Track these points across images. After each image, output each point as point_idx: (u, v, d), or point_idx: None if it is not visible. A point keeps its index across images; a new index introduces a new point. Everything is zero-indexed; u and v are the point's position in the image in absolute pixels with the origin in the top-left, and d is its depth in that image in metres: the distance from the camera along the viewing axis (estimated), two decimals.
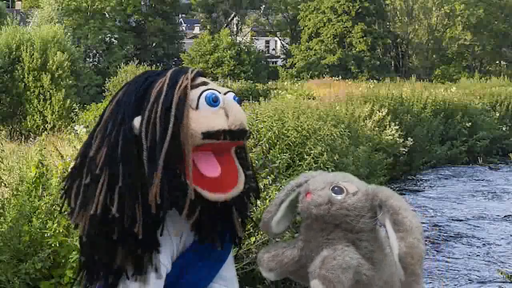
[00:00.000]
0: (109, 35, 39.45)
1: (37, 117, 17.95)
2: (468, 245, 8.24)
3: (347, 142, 8.94)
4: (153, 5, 45.85)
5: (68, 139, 7.38)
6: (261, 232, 4.40)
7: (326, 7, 47.09)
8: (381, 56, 48.37)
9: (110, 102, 1.78)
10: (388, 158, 11.47)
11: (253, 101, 9.43)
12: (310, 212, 1.75)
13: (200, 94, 1.72)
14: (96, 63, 38.30)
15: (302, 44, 47.75)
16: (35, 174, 4.34)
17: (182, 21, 55.39)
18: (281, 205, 1.85)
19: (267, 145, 6.46)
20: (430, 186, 12.63)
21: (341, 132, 8.54)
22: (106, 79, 24.70)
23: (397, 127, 12.53)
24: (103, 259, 1.71)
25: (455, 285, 6.64)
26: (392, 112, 13.34)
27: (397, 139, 12.39)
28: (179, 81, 1.73)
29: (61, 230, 3.90)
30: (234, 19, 53.78)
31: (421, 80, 28.70)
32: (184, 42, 47.79)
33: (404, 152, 12.83)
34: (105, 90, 23.18)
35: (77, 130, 5.50)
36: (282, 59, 53.49)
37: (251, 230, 4.52)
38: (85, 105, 15.99)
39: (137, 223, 1.64)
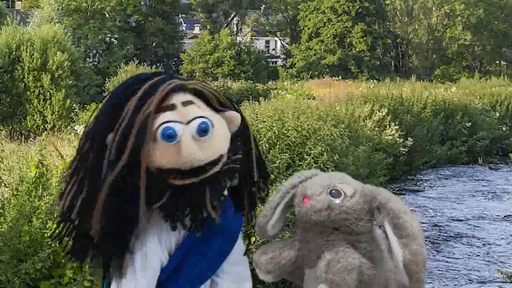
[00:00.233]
0: (109, 35, 39.45)
1: (37, 117, 17.94)
2: (468, 245, 8.23)
3: (347, 142, 8.94)
4: (153, 5, 45.84)
5: (68, 139, 7.38)
6: None
7: (326, 7, 47.08)
8: (381, 56, 48.37)
9: (97, 109, 1.81)
10: (388, 158, 11.47)
11: (253, 101, 9.42)
12: (309, 218, 1.74)
13: (158, 127, 1.68)
14: (96, 63, 38.30)
15: (302, 44, 47.75)
16: (35, 174, 4.34)
17: (182, 21, 55.38)
18: (277, 208, 1.83)
19: (267, 145, 6.46)
20: (430, 186, 12.63)
21: (341, 132, 8.54)
22: (106, 79, 24.73)
23: (397, 127, 12.52)
24: (76, 257, 1.78)
25: (455, 285, 6.64)
26: (392, 112, 13.33)
27: (397, 139, 12.39)
28: (144, 105, 1.69)
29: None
30: (234, 19, 53.77)
31: (421, 80, 28.69)
32: (184, 42, 47.79)
33: (404, 152, 12.83)
34: (105, 90, 23.20)
35: (77, 130, 5.50)
36: (282, 59, 53.48)
37: (251, 230, 4.52)
38: (85, 105, 15.98)
39: (93, 231, 1.68)
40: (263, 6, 55.28)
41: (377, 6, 47.91)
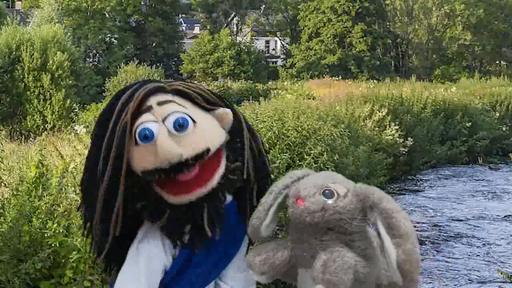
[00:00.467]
0: (109, 35, 39.47)
1: (37, 117, 17.96)
2: (468, 245, 8.23)
3: (347, 142, 8.93)
4: (153, 5, 45.85)
5: (68, 139, 7.37)
6: None
7: (326, 7, 47.09)
8: (381, 56, 48.37)
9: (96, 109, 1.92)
10: (388, 158, 11.47)
11: (253, 101, 9.42)
12: (303, 219, 1.74)
13: (135, 130, 1.70)
14: (96, 63, 38.32)
15: (302, 44, 47.75)
16: (35, 174, 4.34)
17: (182, 21, 55.39)
18: (270, 209, 1.83)
19: (267, 145, 6.45)
20: (430, 186, 12.63)
21: (341, 132, 8.53)
22: (106, 79, 24.74)
23: (397, 127, 12.52)
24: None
25: (455, 285, 6.64)
26: (392, 112, 13.33)
27: (397, 139, 12.38)
28: (122, 115, 1.72)
29: (61, 230, 3.90)
30: (234, 19, 53.78)
31: (421, 80, 28.69)
32: (184, 42, 47.80)
33: (404, 152, 12.83)
34: (105, 90, 23.21)
35: (77, 130, 5.49)
36: (282, 59, 53.48)
37: None
38: (85, 105, 16.00)
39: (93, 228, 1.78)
40: (263, 6, 55.28)
41: (377, 6, 47.91)
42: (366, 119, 12.21)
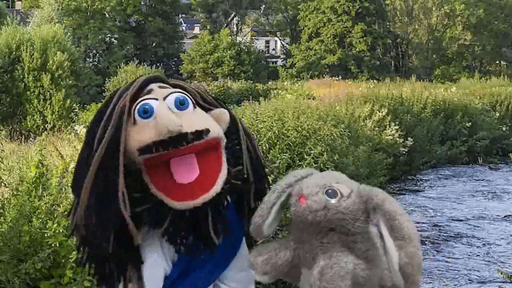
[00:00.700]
0: (109, 35, 39.46)
1: (37, 117, 17.95)
2: (468, 245, 8.23)
3: (347, 142, 8.93)
4: (153, 5, 45.85)
5: (68, 139, 7.38)
6: None
7: (326, 7, 47.08)
8: (381, 56, 48.36)
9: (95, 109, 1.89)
10: (388, 158, 11.46)
11: (253, 101, 9.41)
12: (305, 218, 1.74)
13: (134, 109, 1.69)
14: (96, 63, 38.31)
15: (302, 44, 47.74)
16: (35, 174, 4.34)
17: (182, 21, 55.38)
18: (272, 208, 1.82)
19: (267, 145, 6.45)
20: (430, 186, 12.62)
21: (341, 132, 8.53)
22: (106, 79, 24.74)
23: (397, 127, 12.52)
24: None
25: (455, 285, 6.64)
26: (392, 112, 13.33)
27: (397, 139, 12.38)
28: (120, 100, 1.72)
29: (61, 230, 3.90)
30: (234, 19, 53.77)
31: (421, 80, 28.68)
32: (184, 42, 47.80)
33: (404, 152, 12.83)
34: (105, 90, 23.21)
35: (77, 130, 5.49)
36: (282, 59, 53.47)
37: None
38: (85, 105, 16.00)
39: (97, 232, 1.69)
40: (263, 6, 55.27)
41: (377, 6, 47.90)
42: (366, 119, 12.21)
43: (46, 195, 4.22)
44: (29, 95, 18.13)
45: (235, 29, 53.04)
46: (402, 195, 11.22)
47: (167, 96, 1.71)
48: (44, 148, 4.58)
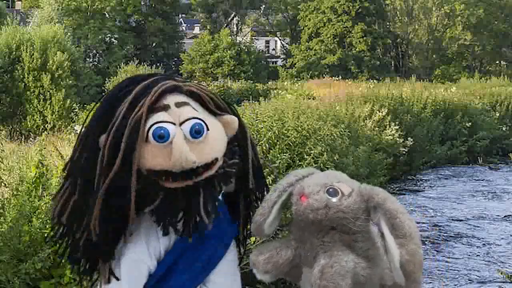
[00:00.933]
0: (109, 35, 39.47)
1: (37, 117, 17.95)
2: (468, 245, 8.23)
3: (347, 142, 8.94)
4: (153, 5, 45.86)
5: (68, 139, 7.39)
6: None
7: (326, 7, 47.09)
8: (381, 56, 48.37)
9: (92, 111, 1.81)
10: (388, 158, 11.47)
11: (253, 101, 9.42)
12: (306, 216, 1.74)
13: (150, 128, 1.65)
14: (96, 63, 38.32)
15: (302, 44, 47.76)
16: (35, 174, 4.34)
17: (182, 21, 55.39)
18: (274, 207, 1.83)
19: (267, 145, 6.46)
20: (430, 186, 12.62)
21: (341, 132, 8.54)
22: (106, 79, 24.78)
23: (397, 127, 12.52)
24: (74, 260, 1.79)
25: (455, 285, 6.64)
26: (392, 112, 13.33)
27: (397, 139, 12.38)
28: (136, 107, 1.68)
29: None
30: (234, 19, 53.78)
31: (421, 80, 28.69)
32: (184, 42, 47.81)
33: (404, 152, 12.83)
34: (105, 90, 23.19)
35: (77, 130, 5.50)
36: (282, 59, 53.49)
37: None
38: (85, 105, 15.97)
39: (84, 234, 1.69)
40: (263, 6, 55.29)
41: (377, 6, 47.92)
42: (366, 119, 12.21)
43: (46, 195, 4.22)
44: (29, 95, 18.13)
45: (235, 29, 53.05)
46: (402, 195, 11.22)
47: (184, 122, 1.68)
48: (44, 148, 4.58)
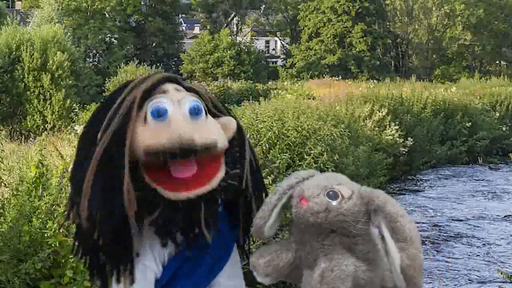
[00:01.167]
0: (109, 35, 39.46)
1: (37, 117, 17.95)
2: (468, 245, 8.23)
3: (347, 142, 8.94)
4: (153, 5, 45.85)
5: (68, 139, 7.39)
6: None
7: (326, 7, 47.09)
8: (381, 56, 48.36)
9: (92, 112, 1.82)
10: (388, 158, 11.47)
11: (253, 101, 9.42)
12: (306, 220, 1.74)
13: (147, 109, 1.66)
14: (96, 63, 38.31)
15: (302, 44, 47.75)
16: (35, 174, 4.34)
17: (182, 21, 55.39)
18: (274, 210, 1.83)
19: (267, 145, 6.47)
20: (430, 186, 12.62)
21: (341, 132, 8.54)
22: (106, 79, 24.76)
23: (397, 127, 12.52)
24: (86, 261, 1.77)
25: (455, 285, 6.64)
26: (392, 112, 13.33)
27: (397, 139, 12.39)
28: (133, 91, 1.69)
29: (61, 230, 3.90)
30: (234, 19, 53.77)
31: (421, 80, 28.68)
32: (184, 42, 47.80)
33: (404, 152, 12.83)
34: (105, 90, 23.22)
35: (77, 130, 5.50)
36: (282, 59, 53.48)
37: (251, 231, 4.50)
38: (85, 105, 15.98)
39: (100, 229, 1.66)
40: (263, 6, 55.28)
41: (377, 6, 47.91)
42: (366, 119, 12.21)
43: (46, 195, 4.22)
44: (29, 95, 18.13)
45: (235, 29, 53.04)
46: (402, 195, 11.22)
47: (181, 101, 1.69)
48: (44, 148, 4.58)
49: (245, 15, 54.36)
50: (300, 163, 6.59)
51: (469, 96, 18.98)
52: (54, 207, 4.18)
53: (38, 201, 4.17)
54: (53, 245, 3.90)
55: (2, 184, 4.65)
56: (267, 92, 25.07)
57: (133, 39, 42.52)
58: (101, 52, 38.82)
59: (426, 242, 7.96)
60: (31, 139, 9.68)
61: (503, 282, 6.50)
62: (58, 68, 18.49)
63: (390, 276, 1.74)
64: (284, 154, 6.22)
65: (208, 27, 50.17)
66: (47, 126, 16.93)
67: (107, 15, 40.37)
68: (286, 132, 7.02)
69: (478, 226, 9.22)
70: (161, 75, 1.76)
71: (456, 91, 20.05)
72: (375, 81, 30.82)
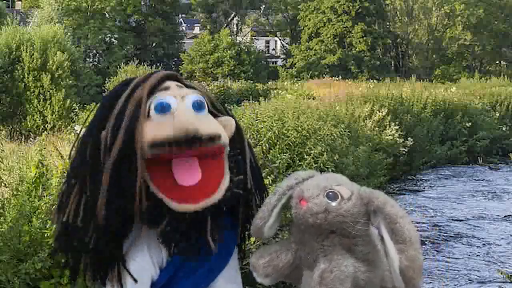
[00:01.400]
0: (109, 35, 39.46)
1: (37, 117, 17.94)
2: (468, 245, 8.23)
3: (347, 142, 8.94)
4: (153, 5, 45.85)
5: (68, 139, 7.39)
6: None
7: (326, 7, 47.09)
8: (381, 56, 48.36)
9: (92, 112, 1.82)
10: (388, 158, 11.46)
11: (253, 101, 9.41)
12: (306, 220, 1.74)
13: (149, 104, 1.68)
14: (96, 63, 38.31)
15: (302, 44, 47.75)
16: (35, 174, 4.33)
17: (182, 21, 55.39)
18: (273, 210, 1.82)
19: (267, 145, 6.46)
20: (430, 186, 12.62)
21: (341, 132, 8.54)
22: (106, 79, 24.74)
23: (397, 127, 12.52)
24: (70, 264, 1.77)
25: (455, 285, 6.64)
26: (392, 112, 13.33)
27: (397, 139, 12.38)
28: (136, 90, 1.70)
29: None
30: (234, 19, 53.77)
31: (421, 80, 28.67)
32: (184, 42, 47.80)
33: (404, 152, 12.83)
34: (105, 90, 23.18)
35: (77, 130, 5.49)
36: (282, 59, 53.48)
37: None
38: (85, 105, 15.96)
39: (97, 233, 1.66)
40: (263, 6, 55.28)
41: (377, 6, 47.91)
42: (366, 119, 12.21)
43: (46, 195, 4.22)
44: (29, 95, 18.12)
45: (235, 29, 53.04)
46: (402, 195, 11.22)
47: (184, 97, 1.71)
48: (44, 148, 4.58)
49: (245, 15, 54.35)
50: (300, 163, 6.59)
51: (469, 96, 18.98)
52: (54, 207, 4.16)
53: (38, 201, 4.17)
54: (53, 245, 3.89)
55: (2, 184, 4.64)
56: (267, 92, 25.06)
57: (133, 39, 42.52)
58: (101, 52, 38.82)
59: (426, 242, 7.96)
60: (31, 139, 9.68)
61: (503, 282, 6.50)
62: (58, 68, 18.49)
63: (390, 276, 1.74)
64: (284, 154, 6.21)
65: (208, 27, 50.17)
66: (47, 126, 16.93)
67: (107, 15, 40.37)
68: (286, 132, 7.02)
69: (478, 226, 9.22)
70: (162, 73, 1.77)
71: (456, 91, 20.05)
72: (375, 81, 30.82)
